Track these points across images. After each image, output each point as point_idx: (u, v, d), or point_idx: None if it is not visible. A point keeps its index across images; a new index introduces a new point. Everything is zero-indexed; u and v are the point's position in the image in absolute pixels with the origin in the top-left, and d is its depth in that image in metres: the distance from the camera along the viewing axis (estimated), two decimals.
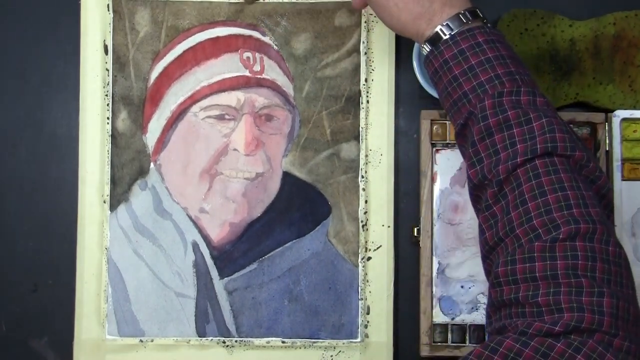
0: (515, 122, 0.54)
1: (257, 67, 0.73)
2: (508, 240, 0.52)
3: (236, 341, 0.72)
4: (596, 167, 0.54)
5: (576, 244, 0.49)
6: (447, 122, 0.72)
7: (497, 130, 0.54)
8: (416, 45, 0.70)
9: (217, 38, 0.73)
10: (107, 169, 0.73)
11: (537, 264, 0.49)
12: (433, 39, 0.58)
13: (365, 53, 0.73)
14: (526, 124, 0.53)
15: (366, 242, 0.72)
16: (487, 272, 0.56)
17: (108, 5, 0.73)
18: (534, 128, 0.53)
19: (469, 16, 0.57)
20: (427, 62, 0.59)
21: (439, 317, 0.71)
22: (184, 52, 0.73)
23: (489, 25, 0.58)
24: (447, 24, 0.57)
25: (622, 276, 0.50)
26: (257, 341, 0.72)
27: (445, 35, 0.57)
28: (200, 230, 0.72)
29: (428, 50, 0.58)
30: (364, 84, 0.73)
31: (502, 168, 0.53)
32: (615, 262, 0.50)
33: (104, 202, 0.72)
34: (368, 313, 0.72)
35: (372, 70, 0.73)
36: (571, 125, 0.72)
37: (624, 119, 0.72)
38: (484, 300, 0.71)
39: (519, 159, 0.52)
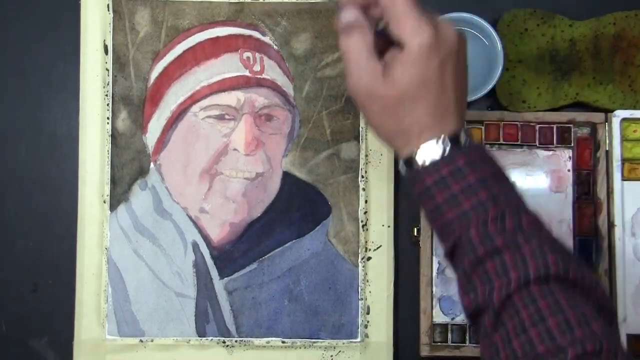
0: (505, 249, 0.52)
1: (257, 67, 0.73)
2: None
3: (236, 341, 0.72)
4: (591, 280, 0.52)
5: None
6: None
7: (488, 259, 0.53)
8: None
9: (217, 38, 0.73)
10: (107, 169, 0.73)
11: None
12: (408, 162, 0.56)
13: None
14: (516, 250, 0.52)
15: (366, 242, 0.72)
16: None
17: (108, 5, 0.73)
18: (525, 253, 0.52)
19: (447, 142, 0.55)
20: (409, 184, 0.57)
21: (439, 317, 0.71)
22: (184, 52, 0.73)
23: (469, 141, 0.56)
24: (423, 148, 0.55)
25: None
26: (257, 341, 0.72)
27: (419, 161, 0.55)
28: (200, 230, 0.72)
29: (407, 172, 0.56)
30: None
31: (496, 296, 0.51)
32: None
33: (104, 202, 0.72)
34: (368, 313, 0.72)
35: None
36: (570, 126, 0.72)
37: (624, 119, 0.72)
38: None
39: (512, 286, 0.51)
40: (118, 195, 0.73)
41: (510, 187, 0.56)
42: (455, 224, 0.54)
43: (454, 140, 0.55)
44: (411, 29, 0.53)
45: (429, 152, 0.54)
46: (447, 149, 0.54)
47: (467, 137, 0.55)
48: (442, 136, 0.54)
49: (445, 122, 0.55)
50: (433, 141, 0.54)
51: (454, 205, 0.54)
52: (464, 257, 0.53)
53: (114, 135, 0.73)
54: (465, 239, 0.53)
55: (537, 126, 0.72)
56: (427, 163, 0.54)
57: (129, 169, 0.73)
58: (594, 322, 0.49)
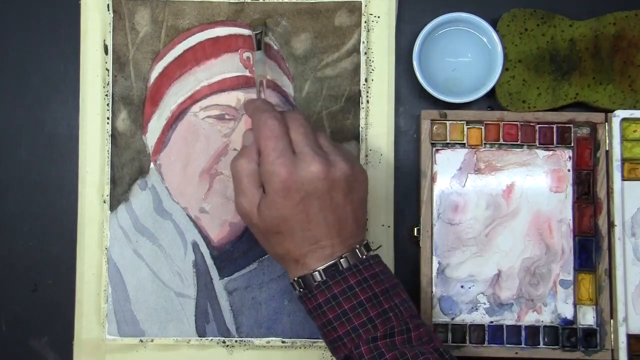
0: None
1: None
2: None
3: (236, 341, 0.72)
4: None
5: None
6: (447, 122, 0.72)
7: None
8: (417, 45, 0.70)
9: (217, 38, 0.73)
10: (107, 169, 0.73)
11: None
12: (301, 280, 0.59)
13: (365, 53, 0.73)
14: None
15: None
16: None
17: (108, 5, 0.73)
18: None
19: (341, 262, 0.58)
20: (301, 301, 0.60)
21: (439, 317, 0.71)
22: (184, 52, 0.73)
23: (364, 256, 0.59)
24: (318, 270, 0.58)
25: None
26: (257, 341, 0.72)
27: (315, 280, 0.58)
28: (200, 230, 0.72)
29: (300, 291, 0.59)
30: (364, 84, 0.73)
31: None
32: None
33: (104, 202, 0.72)
34: None
35: (372, 70, 0.73)
36: (570, 126, 0.72)
37: (624, 119, 0.72)
38: (484, 300, 0.71)
39: None
40: (118, 195, 0.73)
41: (401, 300, 0.59)
42: (345, 340, 0.57)
43: (351, 256, 0.58)
44: (267, 172, 0.57)
45: (325, 271, 0.58)
46: (342, 267, 0.58)
47: (360, 254, 0.59)
48: (338, 255, 0.58)
49: (343, 241, 0.59)
50: (328, 261, 0.58)
51: (345, 321, 0.57)
52: None
53: (114, 135, 0.73)
54: (356, 354, 0.56)
55: (537, 126, 0.72)
56: (316, 282, 0.58)
57: (129, 169, 0.73)
58: None
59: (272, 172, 0.57)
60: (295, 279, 0.59)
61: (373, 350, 0.56)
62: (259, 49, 0.69)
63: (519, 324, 0.71)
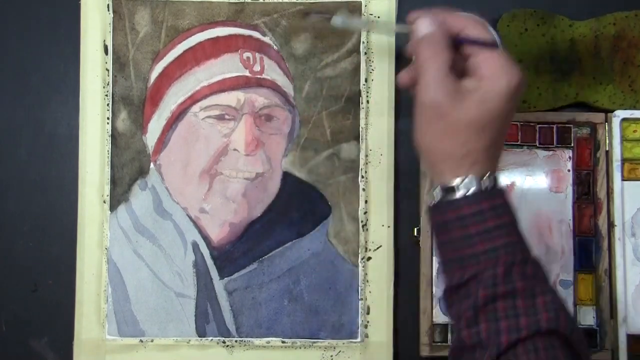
0: (522, 294, 0.53)
1: (257, 67, 0.73)
2: None
3: (236, 341, 0.72)
4: (586, 345, 0.54)
5: None
6: None
7: (502, 299, 0.53)
8: None
9: (217, 38, 0.73)
10: (107, 169, 0.73)
11: None
12: (449, 189, 0.56)
13: (365, 53, 0.73)
14: (531, 298, 0.53)
15: (366, 242, 0.72)
16: None
17: (108, 5, 0.73)
18: (538, 303, 0.53)
19: (492, 180, 0.56)
20: (437, 210, 0.57)
21: (439, 317, 0.71)
22: (184, 52, 0.73)
23: (497, 186, 0.56)
24: (471, 178, 0.55)
25: None
26: (257, 341, 0.72)
27: (460, 189, 0.55)
28: (200, 231, 0.72)
29: (440, 198, 0.56)
30: (364, 84, 0.73)
31: (504, 339, 0.52)
32: None
33: (104, 202, 0.72)
34: (368, 313, 0.72)
35: (372, 70, 0.73)
36: (570, 126, 0.72)
37: (624, 119, 0.72)
38: None
39: (521, 334, 0.52)
40: (118, 195, 0.73)
41: (523, 235, 0.56)
42: (481, 257, 0.54)
43: (496, 180, 0.56)
44: (501, 67, 0.54)
45: (474, 183, 0.55)
46: (490, 186, 0.55)
47: (496, 179, 0.56)
48: (489, 173, 0.55)
49: (494, 161, 0.56)
50: (480, 175, 0.55)
51: (486, 239, 0.54)
52: (480, 291, 0.53)
53: (114, 136, 0.73)
54: (488, 274, 0.53)
55: (537, 126, 0.72)
56: (469, 193, 0.55)
57: (129, 169, 0.73)
58: None
59: (510, 68, 0.54)
60: (444, 186, 0.56)
61: (507, 273, 0.53)
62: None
63: None
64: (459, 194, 0.55)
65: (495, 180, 0.56)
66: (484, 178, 0.55)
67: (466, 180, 0.55)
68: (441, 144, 0.56)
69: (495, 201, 0.55)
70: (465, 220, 0.54)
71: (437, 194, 0.56)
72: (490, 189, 0.55)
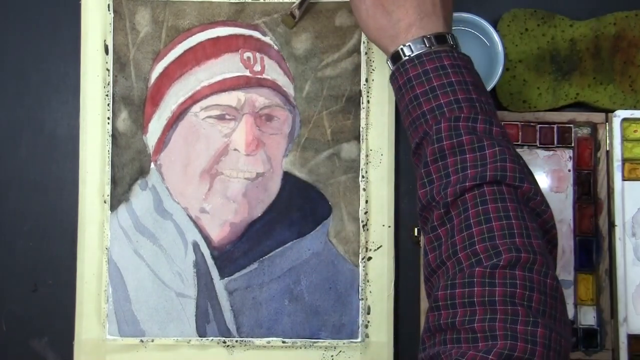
0: (469, 147, 0.54)
1: (257, 67, 0.73)
2: (450, 263, 0.52)
3: (237, 341, 0.72)
4: (543, 201, 0.54)
5: (516, 272, 0.49)
6: None
7: (450, 153, 0.54)
8: None
9: (218, 38, 0.73)
10: (108, 169, 0.73)
11: (476, 289, 0.49)
12: (395, 57, 0.58)
13: (366, 53, 0.73)
14: (479, 151, 0.54)
15: (366, 242, 0.72)
16: (428, 295, 0.55)
17: (108, 5, 0.73)
18: (487, 155, 0.53)
19: (433, 41, 0.57)
20: (392, 78, 0.59)
21: None
22: (185, 52, 0.73)
23: (457, 49, 0.58)
24: (409, 45, 0.57)
25: (558, 310, 0.50)
26: (258, 341, 0.72)
27: (405, 55, 0.57)
28: (201, 230, 0.72)
29: (392, 67, 0.59)
30: (364, 84, 0.73)
31: (450, 191, 0.53)
32: (552, 295, 0.50)
33: (105, 202, 0.72)
34: (368, 313, 0.72)
35: (373, 70, 0.73)
36: (571, 126, 0.72)
37: (625, 119, 0.72)
38: None
39: (467, 184, 0.52)
40: (118, 195, 0.73)
41: (489, 100, 0.57)
42: (428, 116, 0.56)
43: (441, 40, 0.57)
44: None
45: (416, 47, 0.57)
46: (434, 47, 0.57)
47: (454, 43, 0.58)
48: (429, 35, 0.57)
49: (431, 22, 0.58)
50: (420, 38, 0.57)
51: (432, 97, 0.56)
52: (428, 148, 0.55)
53: (115, 135, 0.73)
54: (434, 130, 0.55)
55: (538, 126, 0.72)
56: (412, 55, 0.57)
57: (130, 169, 0.73)
58: (535, 239, 0.51)
59: None
60: (391, 55, 0.59)
61: (452, 128, 0.54)
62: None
63: None
64: (404, 59, 0.57)
65: (440, 41, 0.57)
66: (425, 39, 0.57)
67: (406, 46, 0.58)
68: (376, 18, 0.60)
69: (441, 62, 0.56)
70: (411, 82, 0.57)
71: (389, 65, 0.59)
72: (435, 50, 0.57)
